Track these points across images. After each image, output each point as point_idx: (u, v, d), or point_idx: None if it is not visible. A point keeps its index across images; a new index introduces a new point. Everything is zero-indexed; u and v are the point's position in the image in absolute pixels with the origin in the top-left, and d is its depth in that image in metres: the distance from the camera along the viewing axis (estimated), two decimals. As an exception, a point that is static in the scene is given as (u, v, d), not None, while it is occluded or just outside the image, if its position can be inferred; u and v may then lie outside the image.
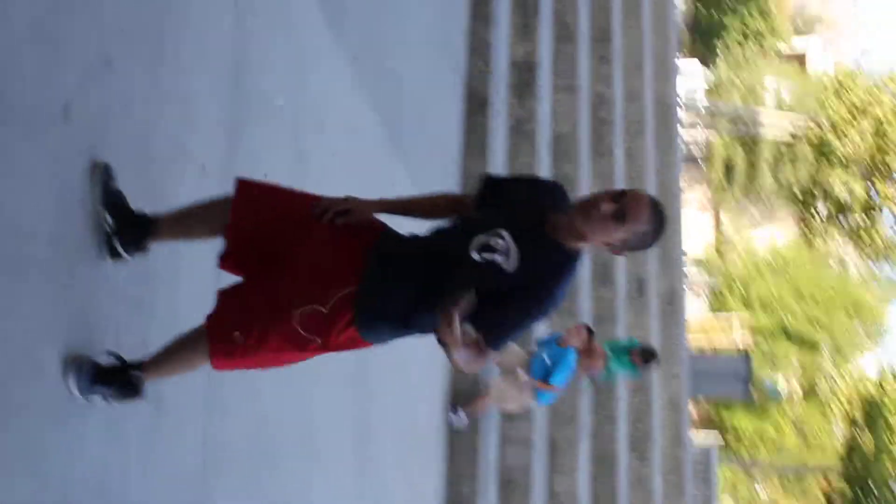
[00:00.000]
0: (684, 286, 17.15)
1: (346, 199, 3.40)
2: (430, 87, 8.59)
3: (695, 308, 29.94)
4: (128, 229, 3.41)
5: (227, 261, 3.46)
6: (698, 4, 35.57)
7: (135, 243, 3.45)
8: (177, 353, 3.41)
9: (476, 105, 9.28)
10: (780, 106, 34.87)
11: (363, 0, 7.25)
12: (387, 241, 3.42)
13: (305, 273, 3.29)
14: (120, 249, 3.42)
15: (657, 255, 14.73)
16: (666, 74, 16.79)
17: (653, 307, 14.37)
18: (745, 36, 36.68)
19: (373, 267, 3.32)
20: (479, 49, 9.63)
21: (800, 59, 39.69)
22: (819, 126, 31.74)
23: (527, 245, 3.23)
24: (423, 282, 3.29)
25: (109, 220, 3.37)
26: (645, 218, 3.19)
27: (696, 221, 34.91)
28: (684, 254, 17.52)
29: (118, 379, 3.33)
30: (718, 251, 35.55)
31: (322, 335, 3.26)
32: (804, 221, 35.45)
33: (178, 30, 4.06)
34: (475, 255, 3.21)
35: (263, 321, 3.24)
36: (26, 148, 3.04)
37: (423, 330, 3.38)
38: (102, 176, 3.35)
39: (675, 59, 18.28)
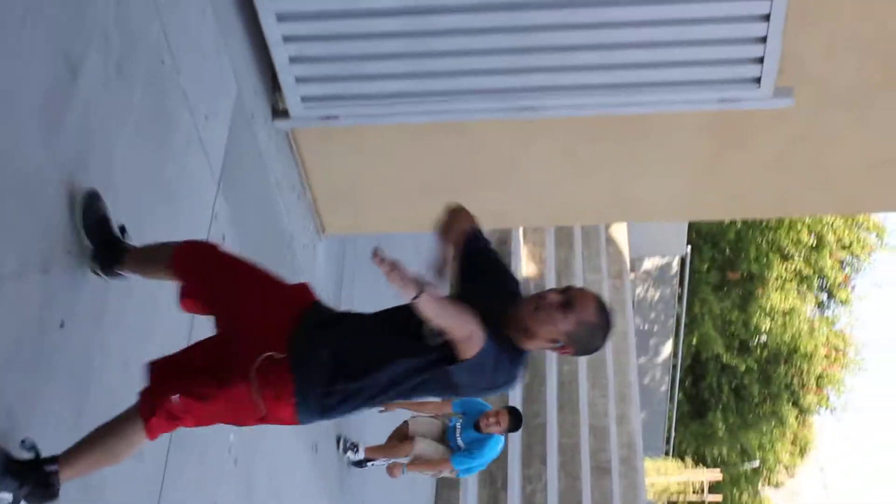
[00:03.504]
0: None
1: None
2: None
3: None
4: (106, 255, 3.63)
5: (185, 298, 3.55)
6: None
7: (109, 268, 3.66)
8: (101, 440, 3.26)
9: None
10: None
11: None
12: (319, 312, 3.44)
13: (248, 330, 3.33)
14: (99, 273, 3.65)
15: None
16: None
17: None
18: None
19: (305, 338, 3.30)
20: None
21: None
22: None
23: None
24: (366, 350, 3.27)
25: (89, 243, 3.60)
26: (591, 309, 3.22)
27: None
28: None
29: (32, 474, 3.09)
30: None
31: (266, 397, 3.22)
32: None
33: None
34: (432, 340, 3.19)
35: (213, 380, 3.21)
36: None
37: (358, 406, 3.32)
38: (87, 200, 3.56)
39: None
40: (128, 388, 3.86)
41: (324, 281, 6.92)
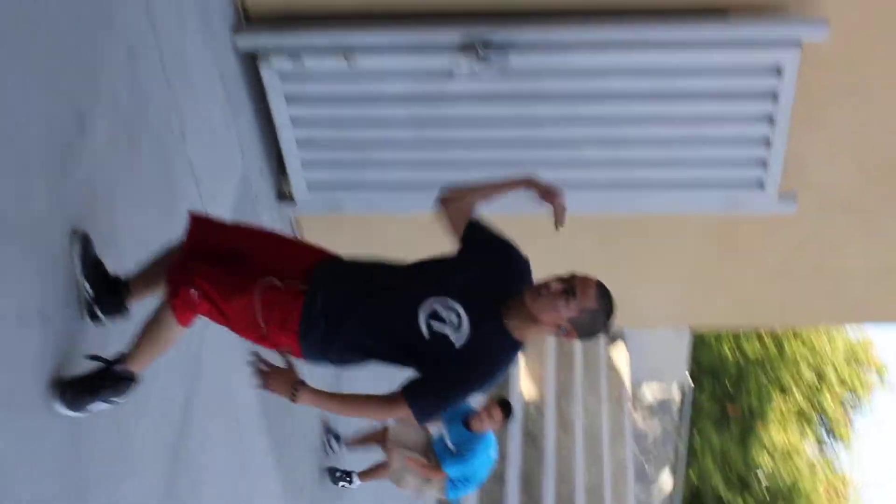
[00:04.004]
0: None
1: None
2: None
3: None
4: (106, 296, 3.62)
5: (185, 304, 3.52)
6: None
7: (114, 308, 3.67)
8: (148, 332, 3.49)
9: None
10: None
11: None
12: (335, 264, 3.59)
13: (266, 261, 3.51)
14: (100, 315, 3.62)
15: None
16: None
17: None
18: None
19: (321, 282, 3.46)
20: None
21: None
22: None
23: (479, 320, 3.36)
24: (365, 311, 3.42)
25: (88, 288, 3.56)
26: (592, 295, 3.30)
27: None
28: None
29: (108, 379, 3.41)
30: None
31: (269, 321, 3.36)
32: None
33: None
34: (423, 329, 3.34)
35: (227, 286, 3.38)
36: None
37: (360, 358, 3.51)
38: (81, 245, 3.53)
39: None
40: (119, 445, 3.82)
41: (323, 373, 6.85)
